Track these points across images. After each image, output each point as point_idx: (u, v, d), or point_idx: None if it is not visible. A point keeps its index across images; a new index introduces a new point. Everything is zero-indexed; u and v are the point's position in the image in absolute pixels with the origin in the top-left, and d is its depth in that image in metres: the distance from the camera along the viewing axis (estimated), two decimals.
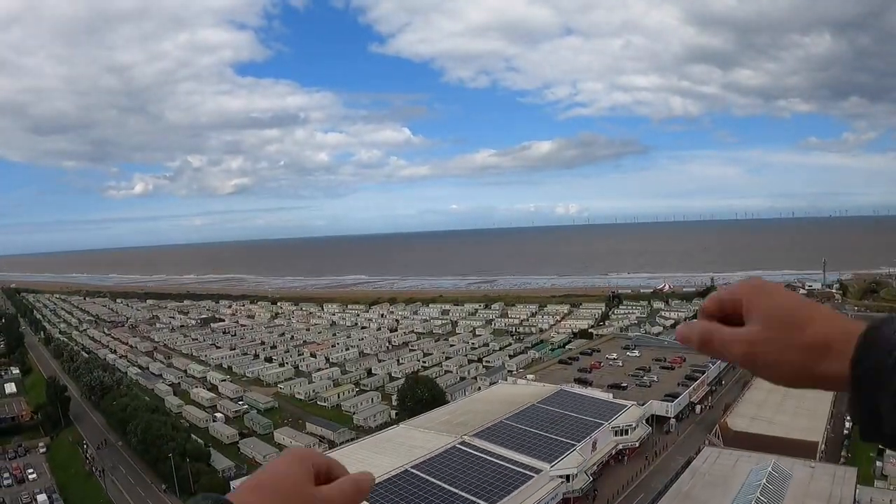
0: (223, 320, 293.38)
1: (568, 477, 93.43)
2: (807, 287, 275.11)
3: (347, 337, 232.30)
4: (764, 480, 73.60)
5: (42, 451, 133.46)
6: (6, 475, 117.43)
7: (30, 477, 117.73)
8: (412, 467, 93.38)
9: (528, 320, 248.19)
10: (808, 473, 79.43)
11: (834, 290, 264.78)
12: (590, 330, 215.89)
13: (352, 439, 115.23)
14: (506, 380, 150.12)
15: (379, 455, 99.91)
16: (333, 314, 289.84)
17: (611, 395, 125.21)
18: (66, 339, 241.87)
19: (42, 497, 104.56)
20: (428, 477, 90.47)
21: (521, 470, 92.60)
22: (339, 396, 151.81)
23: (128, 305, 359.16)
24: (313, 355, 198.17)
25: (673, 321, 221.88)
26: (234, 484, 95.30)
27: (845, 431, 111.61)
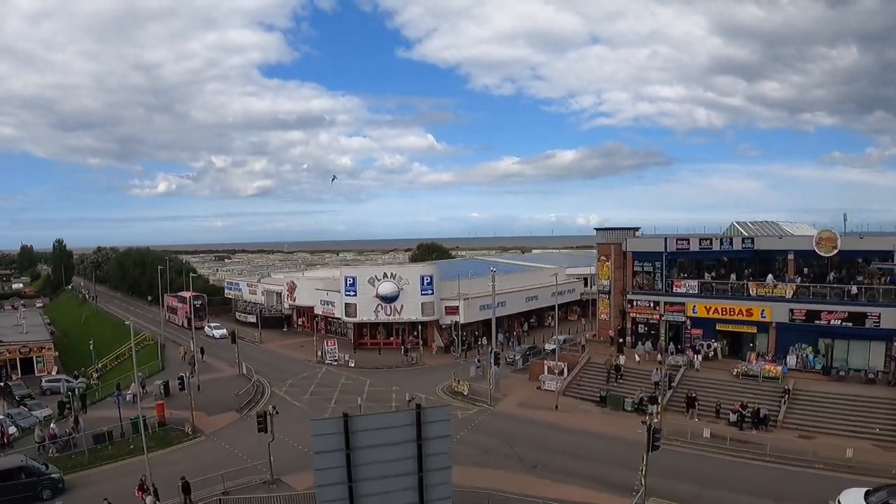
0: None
1: (586, 280, 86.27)
2: None
3: (360, 263, 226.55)
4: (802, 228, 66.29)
5: (39, 305, 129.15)
6: None
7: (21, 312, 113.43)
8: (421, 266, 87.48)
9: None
10: None
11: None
12: None
13: None
14: None
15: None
16: (348, 257, 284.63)
17: None
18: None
19: (24, 310, 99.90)
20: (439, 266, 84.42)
21: (537, 267, 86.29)
22: None
23: None
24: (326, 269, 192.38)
25: None
26: (228, 280, 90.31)
27: None
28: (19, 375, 62.85)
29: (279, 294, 74.30)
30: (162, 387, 43.52)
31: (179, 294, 78.89)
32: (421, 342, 62.87)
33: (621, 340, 47.58)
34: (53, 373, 63.88)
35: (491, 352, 43.60)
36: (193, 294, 75.28)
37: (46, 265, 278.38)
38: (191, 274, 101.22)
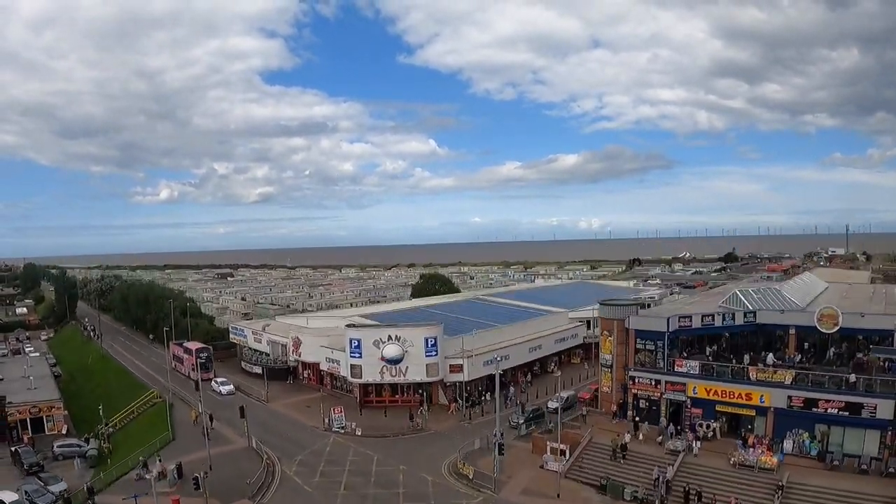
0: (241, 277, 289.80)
1: (588, 323, 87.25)
2: (829, 252, 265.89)
3: (364, 283, 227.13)
4: (799, 277, 67.53)
5: (44, 338, 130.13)
6: (2, 348, 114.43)
7: (27, 350, 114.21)
8: (424, 306, 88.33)
9: (547, 274, 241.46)
10: (846, 285, 73.32)
11: (858, 255, 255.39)
12: (611, 276, 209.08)
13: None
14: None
15: (389, 306, 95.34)
16: (351, 274, 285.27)
17: (632, 283, 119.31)
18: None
19: (34, 354, 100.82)
20: (440, 311, 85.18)
21: (538, 311, 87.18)
22: (351, 306, 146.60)
23: (147, 272, 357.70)
24: (328, 291, 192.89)
25: (694, 270, 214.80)
26: (232, 325, 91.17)
27: None
28: (30, 435, 63.55)
29: (284, 346, 75.19)
30: (175, 470, 44.38)
31: (185, 345, 79.77)
32: (426, 400, 63.81)
33: (637, 418, 48.31)
34: (63, 432, 64.76)
35: (495, 442, 44.54)
36: (199, 347, 76.34)
37: (49, 282, 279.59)
38: (194, 314, 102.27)
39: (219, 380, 71.91)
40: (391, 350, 61.86)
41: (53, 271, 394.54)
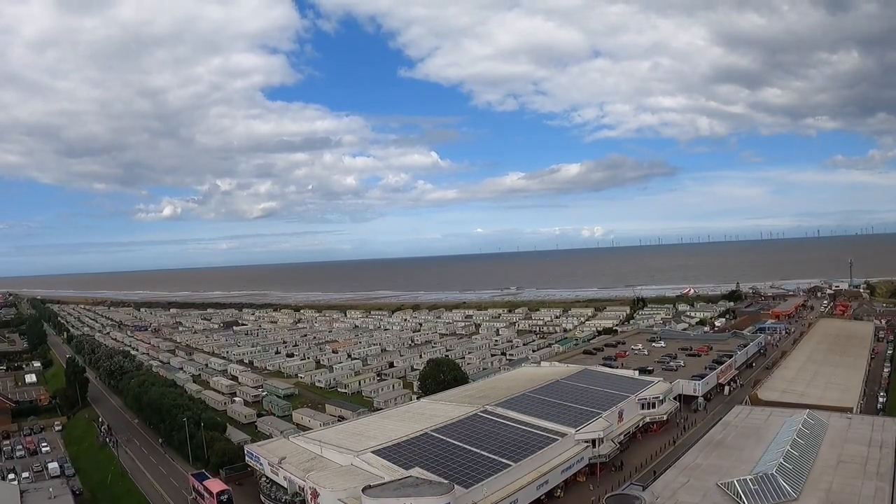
0: (245, 324, 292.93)
1: (594, 442, 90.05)
2: (833, 287, 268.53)
3: (370, 336, 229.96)
4: (800, 426, 70.14)
5: (58, 428, 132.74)
6: (19, 448, 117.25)
7: (43, 449, 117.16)
8: (432, 431, 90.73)
9: (552, 321, 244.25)
10: (846, 423, 75.71)
11: (861, 290, 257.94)
12: (615, 328, 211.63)
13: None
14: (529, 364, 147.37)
15: (398, 422, 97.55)
16: (356, 319, 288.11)
17: (636, 373, 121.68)
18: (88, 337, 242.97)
19: (53, 465, 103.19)
20: (448, 439, 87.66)
21: (545, 434, 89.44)
22: (359, 384, 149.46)
23: (151, 313, 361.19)
24: (335, 352, 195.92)
25: (699, 319, 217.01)
26: (247, 448, 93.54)
27: (878, 406, 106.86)
28: None
29: (301, 488, 77.82)
30: None
31: (205, 483, 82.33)
32: None
33: None
34: None
35: None
36: (220, 490, 79.09)
37: (55, 330, 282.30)
38: (209, 426, 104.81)
39: None
40: None
41: (56, 307, 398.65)
